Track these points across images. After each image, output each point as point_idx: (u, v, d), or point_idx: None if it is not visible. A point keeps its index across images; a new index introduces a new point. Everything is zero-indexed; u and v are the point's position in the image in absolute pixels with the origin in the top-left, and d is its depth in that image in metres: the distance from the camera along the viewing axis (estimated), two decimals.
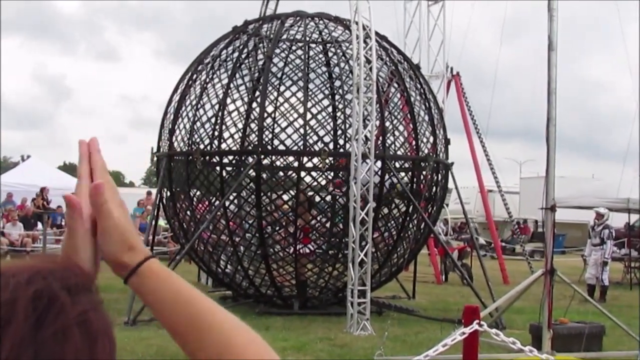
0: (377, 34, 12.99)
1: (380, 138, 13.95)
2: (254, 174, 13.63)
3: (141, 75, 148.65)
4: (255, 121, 14.30)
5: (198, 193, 14.70)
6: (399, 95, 14.77)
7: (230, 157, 14.94)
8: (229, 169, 14.86)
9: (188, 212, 14.43)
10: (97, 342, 0.98)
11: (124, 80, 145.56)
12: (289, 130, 15.66)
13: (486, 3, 42.96)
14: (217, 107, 14.11)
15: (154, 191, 22.04)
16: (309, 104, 14.95)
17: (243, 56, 14.36)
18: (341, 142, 15.77)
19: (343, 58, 14.89)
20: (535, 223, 35.70)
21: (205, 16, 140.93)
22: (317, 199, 15.69)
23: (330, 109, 15.94)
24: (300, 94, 15.00)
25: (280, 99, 15.77)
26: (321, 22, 14.81)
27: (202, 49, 14.66)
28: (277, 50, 14.79)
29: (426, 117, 14.37)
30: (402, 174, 14.55)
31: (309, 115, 14.84)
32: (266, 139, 15.37)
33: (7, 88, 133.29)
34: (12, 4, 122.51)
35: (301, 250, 13.94)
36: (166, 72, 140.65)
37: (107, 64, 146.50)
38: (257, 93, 14.37)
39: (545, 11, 10.35)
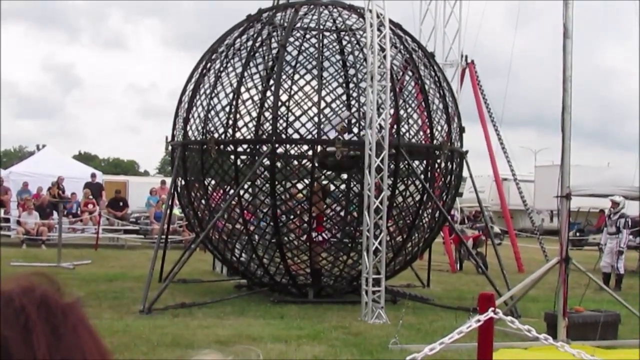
0: (391, 21, 12.93)
1: (395, 126, 13.91)
2: (268, 162, 13.65)
3: (148, 64, 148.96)
4: (270, 110, 14.30)
5: (213, 182, 14.74)
6: (413, 83, 14.72)
7: (245, 146, 14.97)
8: (243, 157, 14.89)
9: (203, 201, 14.48)
10: (94, 332, 1.05)
11: (132, 68, 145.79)
12: (303, 119, 15.65)
13: None
14: (231, 95, 14.12)
15: (168, 180, 22.13)
16: (323, 93, 14.92)
17: (257, 45, 14.34)
18: (355, 130, 15.73)
19: (357, 46, 14.84)
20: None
21: (212, 3, 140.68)
22: (332, 187, 15.68)
23: (344, 98, 15.92)
24: (314, 83, 14.96)
25: (295, 88, 15.76)
26: (335, 10, 14.76)
27: (209, 36, 14.75)
28: (291, 39, 14.77)
29: (440, 105, 14.31)
30: (417, 162, 14.51)
31: (323, 104, 14.81)
32: (280, 128, 15.35)
33: (17, 77, 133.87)
34: None
35: (315, 239, 13.95)
36: (174, 60, 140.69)
37: (114, 52, 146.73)
38: (271, 82, 14.35)
39: None
